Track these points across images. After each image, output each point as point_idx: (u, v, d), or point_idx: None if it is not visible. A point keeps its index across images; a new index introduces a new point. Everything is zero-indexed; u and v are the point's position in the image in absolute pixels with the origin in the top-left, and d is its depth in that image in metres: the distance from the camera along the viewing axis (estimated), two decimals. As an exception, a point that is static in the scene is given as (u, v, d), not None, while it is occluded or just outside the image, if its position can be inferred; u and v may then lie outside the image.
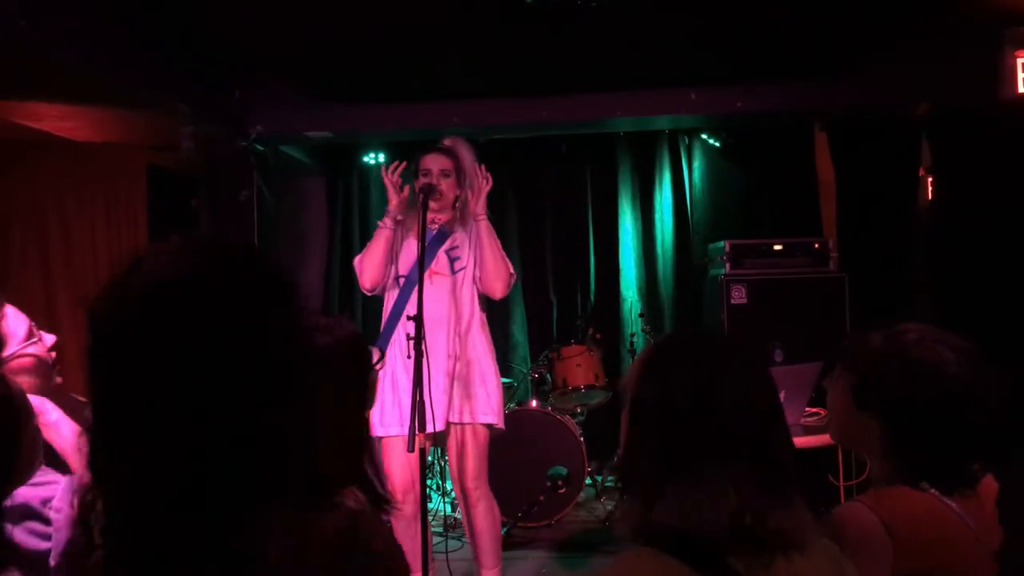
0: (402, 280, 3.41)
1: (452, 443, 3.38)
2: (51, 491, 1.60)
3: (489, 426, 3.40)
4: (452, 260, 3.43)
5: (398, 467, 3.31)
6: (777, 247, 5.00)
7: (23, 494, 1.55)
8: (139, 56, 3.81)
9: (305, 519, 0.95)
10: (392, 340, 3.41)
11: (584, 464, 4.56)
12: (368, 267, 3.40)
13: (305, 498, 0.96)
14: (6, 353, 2.06)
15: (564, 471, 4.52)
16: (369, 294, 3.51)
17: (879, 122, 5.01)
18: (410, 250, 3.40)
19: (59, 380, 2.30)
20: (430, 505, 4.45)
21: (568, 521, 4.64)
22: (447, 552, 3.62)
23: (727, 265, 4.94)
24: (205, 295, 0.93)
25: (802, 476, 1.28)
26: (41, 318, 4.87)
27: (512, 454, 4.28)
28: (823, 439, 3.06)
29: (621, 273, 5.81)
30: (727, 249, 4.96)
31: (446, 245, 3.44)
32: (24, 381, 1.98)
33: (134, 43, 3.76)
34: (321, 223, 5.79)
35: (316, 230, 5.75)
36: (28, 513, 1.56)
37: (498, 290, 3.42)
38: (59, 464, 1.82)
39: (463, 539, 3.90)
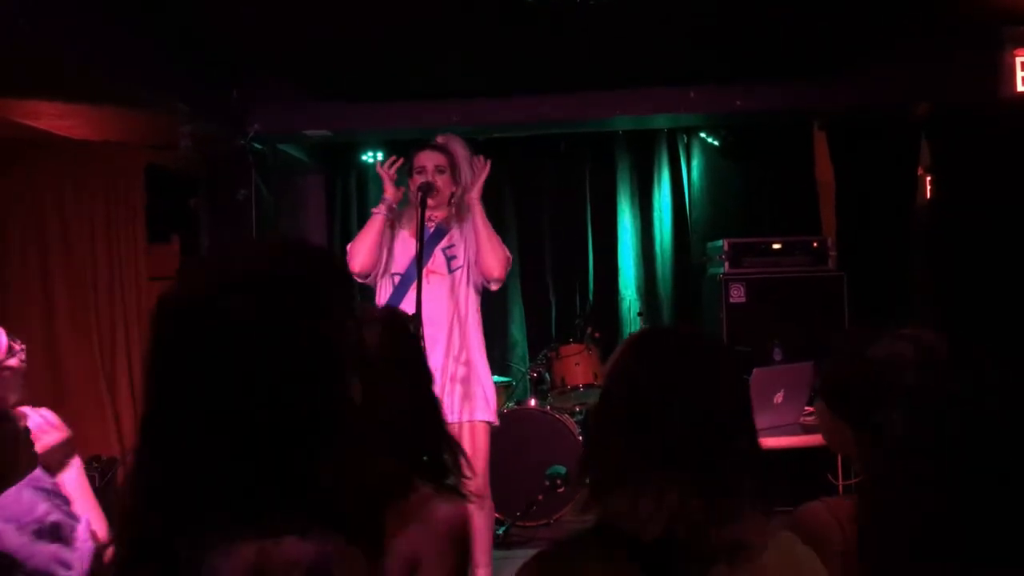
0: (397, 278, 3.41)
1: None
2: (75, 522, 1.62)
3: (488, 423, 3.42)
4: (449, 259, 3.43)
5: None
6: (776, 246, 5.01)
7: (54, 515, 1.57)
8: (138, 55, 3.81)
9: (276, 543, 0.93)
10: None
11: (583, 463, 4.56)
12: (358, 252, 3.40)
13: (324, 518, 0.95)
14: None
15: (563, 470, 4.52)
16: (359, 280, 3.48)
17: (878, 121, 5.01)
18: (405, 248, 3.40)
19: None
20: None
21: (567, 520, 4.64)
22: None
23: (726, 264, 4.95)
24: (289, 291, 0.95)
25: (764, 484, 1.24)
26: (40, 316, 4.89)
27: (511, 453, 4.28)
28: (822, 438, 3.06)
29: (620, 272, 5.82)
30: (726, 248, 4.96)
31: (443, 243, 3.45)
32: (10, 394, 2.00)
33: (133, 42, 3.76)
34: (319, 222, 5.79)
35: (314, 229, 5.75)
36: (56, 534, 1.58)
37: (495, 269, 3.39)
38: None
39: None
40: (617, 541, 1.18)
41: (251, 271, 0.96)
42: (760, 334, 4.77)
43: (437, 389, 3.32)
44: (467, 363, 3.39)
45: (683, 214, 5.79)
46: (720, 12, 3.99)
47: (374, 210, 3.47)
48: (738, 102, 4.69)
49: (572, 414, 4.93)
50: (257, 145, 4.74)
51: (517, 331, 5.77)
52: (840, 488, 3.69)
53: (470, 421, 3.36)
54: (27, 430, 1.88)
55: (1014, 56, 4.39)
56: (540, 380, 5.01)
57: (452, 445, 1.64)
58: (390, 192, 3.47)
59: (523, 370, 5.42)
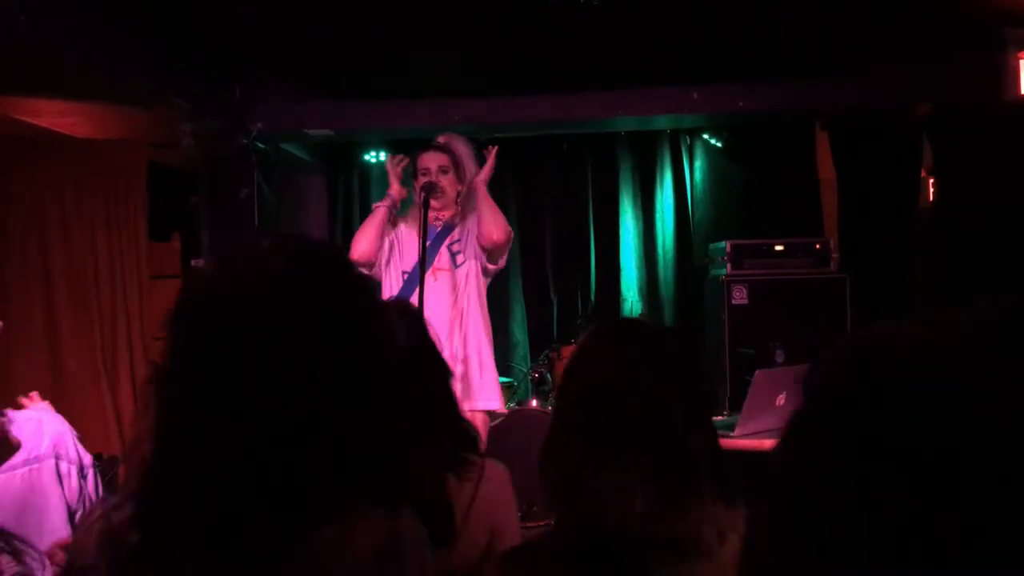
0: (405, 275, 3.45)
1: None
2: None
3: (489, 413, 3.44)
4: (454, 255, 3.46)
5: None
6: (778, 247, 4.99)
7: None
8: (140, 53, 3.81)
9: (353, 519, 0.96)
10: None
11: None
12: (359, 240, 3.47)
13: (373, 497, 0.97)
14: None
15: (563, 471, 4.51)
16: (359, 268, 3.52)
17: (880, 123, 4.99)
18: (414, 246, 3.42)
19: None
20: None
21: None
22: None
23: (728, 265, 4.93)
24: (305, 296, 0.95)
25: (723, 477, 1.23)
26: (41, 315, 4.88)
27: (512, 454, 4.26)
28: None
29: (622, 273, 5.80)
30: (728, 249, 4.95)
31: (448, 240, 3.48)
32: None
33: (134, 40, 3.75)
34: (321, 221, 5.78)
35: (316, 228, 5.74)
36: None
37: (495, 232, 3.41)
38: None
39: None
40: (575, 539, 1.16)
41: (280, 272, 0.96)
42: (762, 336, 4.76)
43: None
44: (471, 354, 3.42)
45: (685, 215, 5.78)
46: (721, 12, 3.99)
47: (376, 204, 3.55)
48: (740, 103, 4.68)
49: (573, 415, 4.91)
50: (260, 144, 4.74)
51: (519, 331, 5.75)
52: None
53: (471, 411, 3.37)
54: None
55: (1017, 59, 4.38)
56: (542, 381, 5.00)
57: (469, 428, 1.70)
58: (395, 188, 3.54)
59: (524, 370, 5.41)
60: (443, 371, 1.78)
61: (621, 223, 5.81)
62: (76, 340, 4.79)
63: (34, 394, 2.46)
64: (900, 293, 4.90)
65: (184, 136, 4.35)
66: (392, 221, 3.53)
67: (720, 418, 3.74)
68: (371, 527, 0.94)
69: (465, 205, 3.55)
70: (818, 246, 5.00)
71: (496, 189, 3.58)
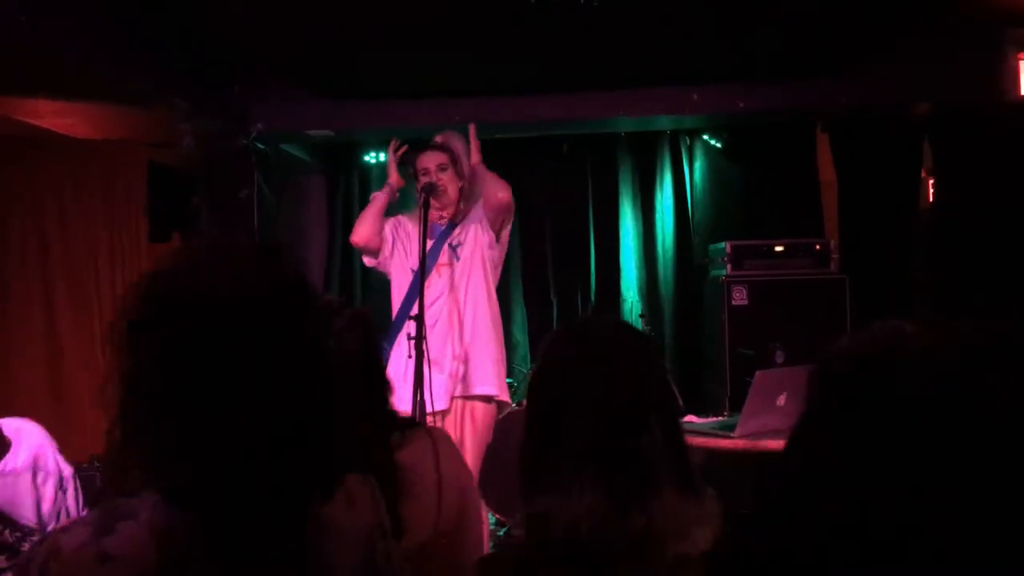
0: (414, 271, 3.48)
1: (452, 423, 3.37)
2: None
3: (489, 401, 3.42)
4: (454, 248, 3.47)
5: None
6: (778, 248, 4.99)
7: None
8: (139, 53, 3.80)
9: (344, 506, 1.00)
10: (404, 329, 3.43)
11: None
12: (359, 225, 3.56)
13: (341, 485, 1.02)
14: None
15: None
16: (367, 260, 3.65)
17: (880, 123, 4.99)
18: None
19: None
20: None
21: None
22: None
23: (728, 266, 4.93)
24: (234, 300, 0.96)
25: (686, 474, 1.22)
26: (41, 316, 4.88)
27: (512, 454, 4.25)
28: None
29: (622, 273, 5.80)
30: (728, 250, 4.95)
31: (449, 238, 3.49)
32: None
33: (134, 40, 3.75)
34: (321, 222, 5.77)
35: (316, 229, 5.74)
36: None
37: (501, 191, 3.46)
38: None
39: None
40: (541, 543, 1.16)
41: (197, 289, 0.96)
42: (762, 337, 4.76)
43: (445, 375, 3.38)
44: (470, 344, 3.43)
45: (685, 216, 5.77)
46: (721, 12, 3.98)
47: (375, 193, 3.66)
48: (740, 103, 4.68)
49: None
50: (260, 144, 4.73)
51: (519, 332, 5.75)
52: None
53: (469, 397, 3.37)
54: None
55: (1017, 59, 4.38)
56: (541, 381, 4.99)
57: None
58: (393, 177, 3.63)
59: (525, 371, 5.41)
60: (384, 387, 1.77)
61: (621, 224, 5.81)
62: (76, 340, 4.79)
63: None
64: (900, 294, 4.89)
65: (184, 136, 4.35)
66: (391, 209, 3.62)
67: (720, 418, 3.74)
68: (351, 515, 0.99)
69: (468, 200, 3.57)
70: (818, 247, 5.00)
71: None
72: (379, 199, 3.56)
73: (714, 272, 5.16)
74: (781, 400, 3.27)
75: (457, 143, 3.61)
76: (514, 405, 4.80)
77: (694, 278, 5.63)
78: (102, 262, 4.85)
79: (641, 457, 1.20)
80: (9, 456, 2.06)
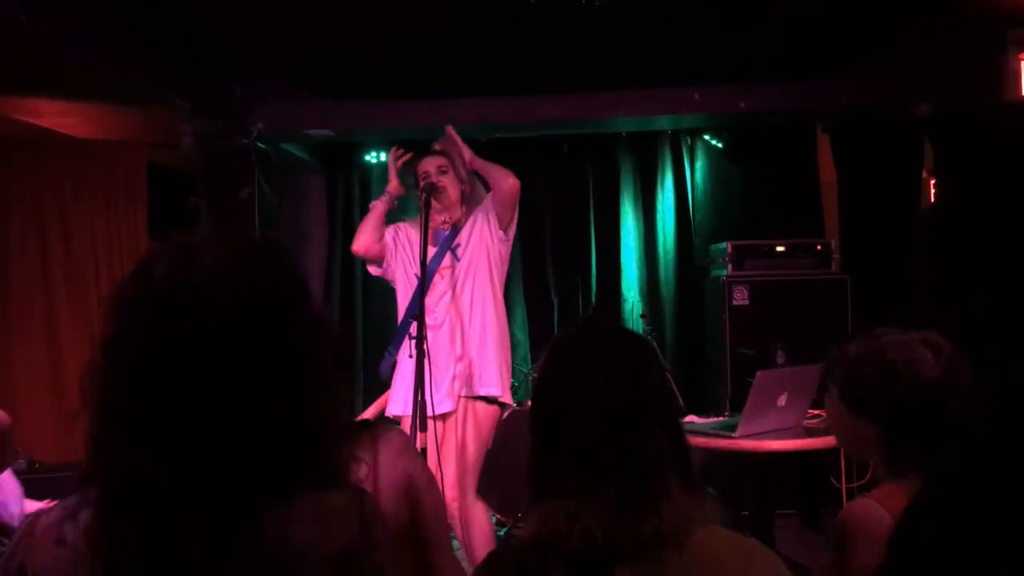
0: (417, 278, 3.47)
1: (453, 423, 3.37)
2: None
3: (491, 402, 3.41)
4: (454, 249, 3.47)
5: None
6: (779, 248, 4.99)
7: None
8: (139, 53, 3.80)
9: (320, 499, 1.00)
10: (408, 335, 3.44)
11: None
12: (359, 233, 3.58)
13: (320, 481, 1.01)
14: None
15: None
16: (371, 268, 3.66)
17: (881, 124, 4.99)
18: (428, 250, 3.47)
19: None
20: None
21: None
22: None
23: (729, 266, 4.93)
24: (234, 295, 0.97)
25: (688, 479, 1.22)
26: (41, 315, 4.87)
27: (513, 454, 4.26)
28: (825, 441, 3.05)
29: (622, 273, 5.80)
30: (729, 250, 4.95)
31: (454, 242, 3.50)
32: None
33: (133, 40, 3.75)
34: (321, 221, 5.77)
35: (316, 228, 5.74)
36: None
37: (512, 181, 3.46)
38: None
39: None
40: (546, 550, 1.17)
41: (193, 282, 0.98)
42: (763, 337, 4.75)
43: (448, 378, 3.38)
44: (471, 344, 3.42)
45: (686, 216, 5.77)
46: (721, 12, 3.98)
47: (374, 201, 3.64)
48: (741, 103, 4.68)
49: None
50: (260, 144, 4.73)
51: (519, 331, 5.75)
52: (843, 491, 3.67)
53: (471, 399, 3.36)
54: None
55: (1018, 59, 4.37)
56: (542, 381, 4.98)
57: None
58: (393, 184, 3.64)
59: (525, 371, 5.41)
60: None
61: (622, 224, 5.81)
62: (76, 339, 4.79)
63: None
64: (901, 294, 4.89)
65: (184, 136, 4.35)
66: (390, 215, 3.61)
67: (722, 419, 3.73)
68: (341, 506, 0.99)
69: (470, 203, 3.58)
70: (819, 247, 4.99)
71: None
72: (378, 208, 3.58)
73: (715, 272, 5.16)
74: (782, 400, 3.27)
75: (454, 149, 3.63)
76: (515, 405, 4.80)
77: (695, 278, 5.63)
78: (102, 262, 4.85)
79: (647, 459, 1.20)
80: None
